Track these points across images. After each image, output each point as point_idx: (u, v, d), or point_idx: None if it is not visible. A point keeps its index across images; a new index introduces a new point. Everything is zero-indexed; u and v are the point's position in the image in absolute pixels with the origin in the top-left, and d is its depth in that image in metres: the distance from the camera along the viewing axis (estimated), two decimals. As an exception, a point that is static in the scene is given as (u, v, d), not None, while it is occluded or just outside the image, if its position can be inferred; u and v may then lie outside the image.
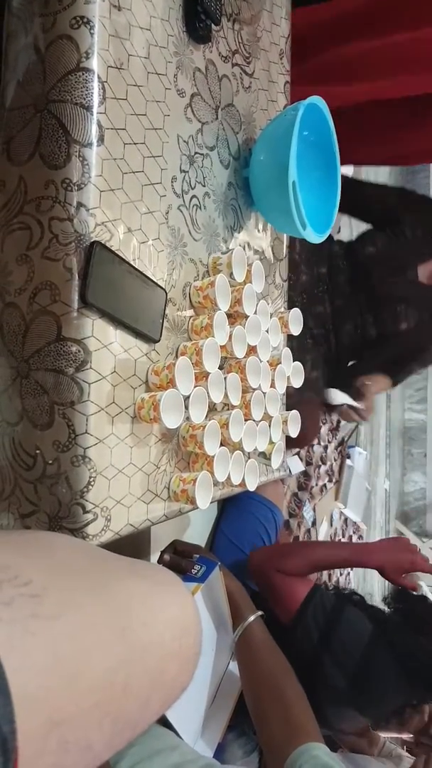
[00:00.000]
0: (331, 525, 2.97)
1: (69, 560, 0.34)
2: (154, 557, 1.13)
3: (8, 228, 0.56)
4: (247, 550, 1.38)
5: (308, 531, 2.61)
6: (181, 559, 0.95)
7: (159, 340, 0.65)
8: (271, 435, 0.86)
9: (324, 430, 2.78)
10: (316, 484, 2.70)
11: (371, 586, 3.89)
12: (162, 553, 0.97)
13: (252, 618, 0.94)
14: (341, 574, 3.11)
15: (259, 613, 0.96)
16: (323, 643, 1.00)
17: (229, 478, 0.74)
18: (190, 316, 0.73)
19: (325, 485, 2.80)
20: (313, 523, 2.70)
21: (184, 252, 0.71)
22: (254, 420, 0.80)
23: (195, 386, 0.66)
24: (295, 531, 2.42)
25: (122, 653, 0.31)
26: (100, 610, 0.31)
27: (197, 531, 1.47)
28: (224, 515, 1.45)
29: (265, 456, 0.89)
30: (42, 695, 0.24)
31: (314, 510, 2.70)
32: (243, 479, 0.78)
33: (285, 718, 0.81)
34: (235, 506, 1.41)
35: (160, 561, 0.97)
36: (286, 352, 0.91)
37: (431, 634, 1.02)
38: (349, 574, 3.25)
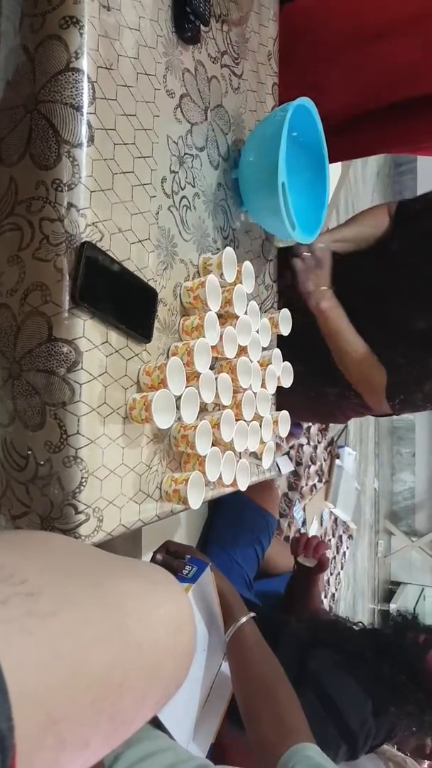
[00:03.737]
0: (321, 525, 2.98)
1: (64, 559, 0.34)
2: (146, 557, 1.13)
3: (-2, 229, 0.56)
4: (240, 560, 1.38)
5: (298, 531, 2.62)
6: (172, 559, 0.95)
7: (150, 341, 0.65)
8: (262, 435, 0.87)
9: (314, 430, 2.79)
10: (306, 484, 2.71)
11: (361, 585, 3.91)
12: (154, 553, 0.97)
13: (244, 619, 0.94)
14: (331, 574, 3.12)
15: (251, 614, 0.96)
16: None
17: (220, 478, 0.74)
18: (182, 317, 0.73)
19: (314, 485, 2.81)
20: (303, 523, 2.71)
21: (174, 252, 0.71)
22: (245, 420, 0.81)
23: (186, 386, 0.66)
24: (285, 531, 2.42)
25: (118, 650, 0.31)
26: (96, 607, 0.31)
27: (188, 531, 1.47)
28: (217, 524, 1.44)
29: (256, 456, 0.90)
30: (40, 692, 0.24)
31: (304, 510, 2.71)
32: (234, 479, 0.78)
33: (276, 719, 0.81)
34: (228, 515, 1.40)
35: (152, 561, 0.97)
36: (276, 353, 0.92)
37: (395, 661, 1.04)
38: (339, 574, 3.26)
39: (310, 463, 2.72)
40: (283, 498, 2.44)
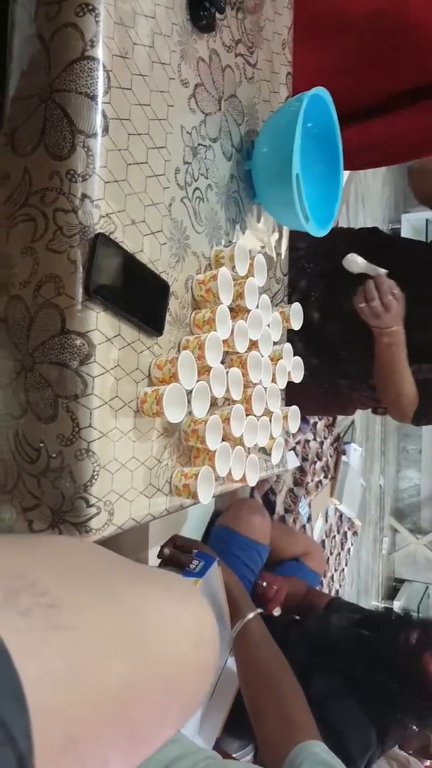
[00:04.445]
0: (327, 521, 2.98)
1: (84, 566, 0.34)
2: (153, 551, 1.13)
3: (12, 220, 0.56)
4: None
5: (303, 527, 2.62)
6: (180, 554, 0.95)
7: (162, 334, 0.65)
8: (272, 430, 0.86)
9: (320, 425, 2.78)
10: (312, 480, 2.70)
11: (365, 582, 3.91)
12: (162, 547, 0.97)
13: (251, 615, 0.94)
14: (335, 570, 3.12)
15: (258, 610, 0.96)
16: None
17: (230, 473, 0.74)
18: (193, 310, 0.72)
19: (320, 481, 2.81)
20: (309, 519, 2.70)
21: (186, 245, 0.70)
22: (255, 415, 0.80)
23: (197, 381, 0.66)
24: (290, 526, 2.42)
25: (138, 665, 0.30)
26: (117, 620, 0.30)
27: (193, 525, 1.47)
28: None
29: (265, 451, 0.89)
30: (60, 709, 0.24)
31: (309, 506, 2.70)
32: (244, 474, 0.78)
33: (282, 715, 0.81)
34: (217, 547, 1.41)
35: (160, 555, 0.97)
36: (287, 347, 0.91)
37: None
38: (343, 570, 3.26)
39: (316, 459, 2.72)
40: (289, 494, 2.44)
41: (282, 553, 1.65)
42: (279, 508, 2.30)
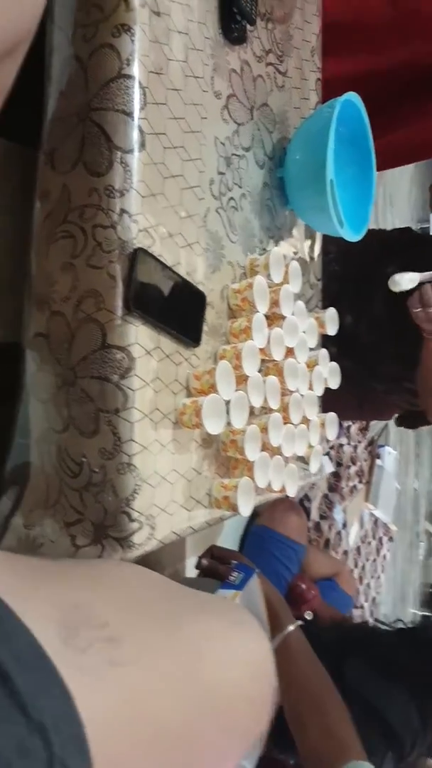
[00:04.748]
0: (362, 526, 2.93)
1: (140, 595, 0.34)
2: (190, 562, 1.13)
3: (53, 237, 0.57)
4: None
5: (339, 533, 2.58)
6: (218, 565, 0.94)
7: (199, 345, 0.65)
8: (310, 438, 0.85)
9: (354, 429, 2.74)
10: (346, 485, 2.66)
11: (402, 589, 3.83)
12: (199, 558, 0.97)
13: (291, 627, 0.93)
14: (372, 577, 3.07)
15: (299, 622, 0.95)
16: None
17: (269, 484, 0.73)
18: (229, 319, 0.72)
19: (355, 486, 2.77)
20: (344, 525, 2.67)
21: (221, 254, 0.70)
22: (292, 423, 0.79)
23: (235, 390, 0.66)
24: (326, 533, 2.39)
25: (199, 702, 0.30)
26: (176, 655, 0.30)
27: (230, 531, 1.47)
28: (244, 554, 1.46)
29: (303, 460, 0.88)
30: (121, 752, 0.23)
31: (344, 512, 2.67)
32: (283, 485, 0.77)
33: (327, 731, 0.79)
34: (253, 550, 1.41)
35: (198, 566, 0.96)
36: (323, 353, 0.90)
37: None
38: (379, 577, 3.20)
39: (350, 464, 2.68)
40: (324, 500, 2.41)
41: (314, 571, 1.64)
42: (314, 515, 2.28)
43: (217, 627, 0.36)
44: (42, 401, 0.60)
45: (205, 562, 0.95)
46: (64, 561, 0.39)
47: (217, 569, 0.93)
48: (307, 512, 2.22)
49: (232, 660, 0.35)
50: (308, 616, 1.35)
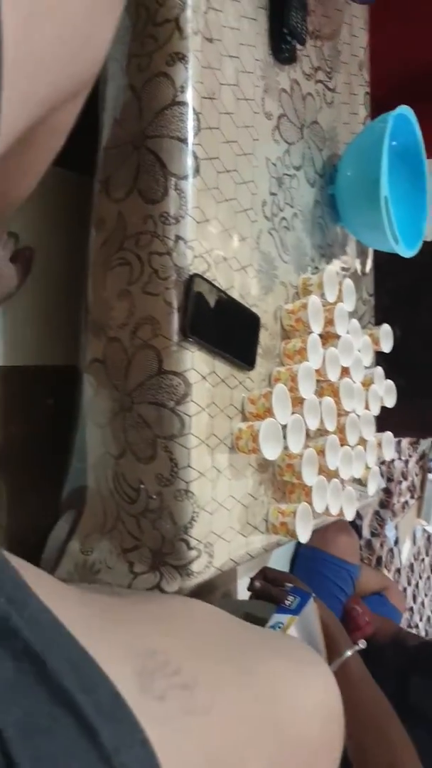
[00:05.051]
0: (414, 543, 2.84)
1: (209, 637, 0.33)
2: (242, 582, 1.11)
3: (109, 264, 0.57)
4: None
5: (390, 550, 2.50)
6: (272, 588, 0.92)
7: (254, 368, 0.64)
8: (367, 459, 0.83)
9: (404, 444, 2.67)
10: (398, 501, 2.59)
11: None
12: (252, 579, 0.95)
13: (349, 653, 0.90)
14: (426, 595, 2.95)
15: (357, 647, 0.92)
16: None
17: (327, 508, 0.71)
18: (282, 340, 0.71)
19: (406, 502, 2.68)
20: (396, 542, 2.59)
21: (274, 275, 0.69)
22: (349, 445, 0.77)
23: (291, 413, 0.64)
24: (377, 551, 2.32)
25: (273, 749, 0.29)
26: (249, 701, 0.29)
27: (279, 552, 1.44)
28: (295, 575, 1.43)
29: (360, 482, 0.86)
30: None
31: (396, 528, 2.59)
32: (341, 509, 0.75)
33: (390, 764, 0.76)
34: (307, 568, 1.38)
35: (250, 588, 0.94)
36: (379, 371, 0.88)
37: None
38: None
39: (401, 479, 2.60)
40: (375, 516, 2.35)
41: (364, 588, 1.59)
42: (365, 532, 2.22)
43: (288, 668, 0.35)
44: (99, 426, 0.60)
45: (258, 584, 0.93)
46: (132, 596, 0.39)
47: (270, 592, 0.91)
48: (358, 530, 2.16)
49: (305, 703, 0.34)
50: (362, 644, 1.30)
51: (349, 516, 0.77)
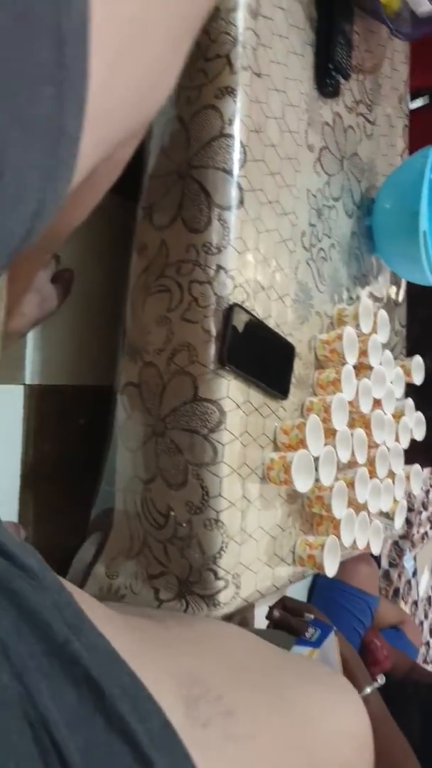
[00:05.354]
0: (433, 576, 2.77)
1: (245, 662, 0.33)
2: (260, 610, 1.09)
3: (149, 290, 0.58)
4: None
5: (408, 582, 2.45)
6: (291, 618, 0.91)
7: (288, 397, 0.64)
8: (395, 493, 0.81)
9: (425, 473, 2.62)
10: (417, 532, 2.54)
11: None
12: (271, 608, 0.94)
13: (369, 690, 0.88)
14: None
15: (376, 684, 0.89)
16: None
17: (354, 541, 0.70)
18: (316, 370, 0.71)
19: (426, 533, 2.63)
20: (414, 574, 2.53)
21: (310, 305, 0.69)
22: (378, 478, 0.76)
23: (324, 445, 0.64)
24: (395, 582, 2.28)
25: None
26: (285, 727, 0.29)
27: (296, 584, 1.42)
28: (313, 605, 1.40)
29: (387, 516, 0.84)
30: None
31: (415, 559, 2.53)
32: (368, 542, 0.74)
33: None
34: (325, 598, 1.36)
35: (269, 617, 0.93)
36: (409, 403, 0.86)
37: None
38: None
39: (421, 509, 2.55)
40: (394, 547, 2.30)
41: (381, 621, 1.56)
42: (383, 562, 2.17)
43: (321, 695, 0.35)
44: (130, 449, 0.60)
45: (277, 613, 0.92)
46: (167, 619, 0.39)
47: (290, 622, 0.90)
48: (377, 560, 2.12)
49: (339, 732, 0.34)
50: (380, 680, 1.27)
51: (376, 550, 0.75)
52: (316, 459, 0.62)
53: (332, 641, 0.86)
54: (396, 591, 2.31)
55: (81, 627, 0.24)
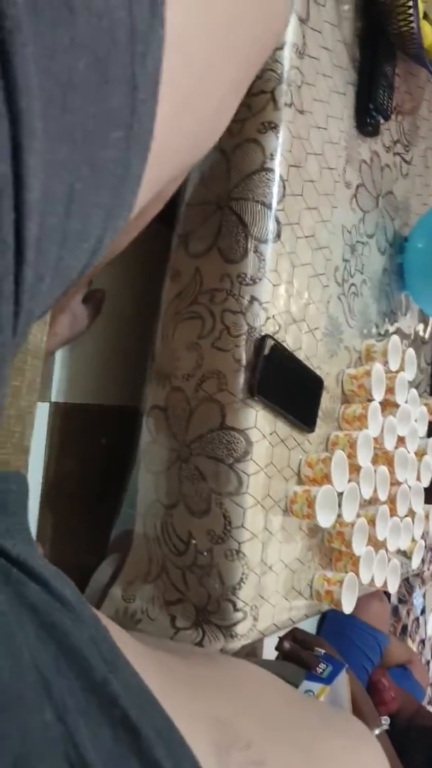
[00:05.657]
0: (442, 615, 2.71)
1: (271, 707, 0.33)
2: (269, 641, 1.07)
3: (181, 316, 0.58)
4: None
5: (417, 620, 2.39)
6: (301, 651, 0.89)
7: (314, 430, 0.64)
8: (414, 532, 0.80)
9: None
10: (428, 569, 2.49)
11: None
12: (281, 639, 0.92)
13: (377, 731, 0.85)
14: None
15: (384, 727, 0.87)
16: None
17: (372, 578, 0.69)
18: (342, 404, 0.70)
19: (437, 571, 2.58)
20: (423, 612, 2.47)
21: (340, 339, 0.70)
22: (398, 516, 0.75)
23: (348, 481, 0.63)
24: (403, 619, 2.22)
25: None
26: None
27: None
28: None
29: (405, 555, 0.83)
30: None
31: (424, 597, 2.48)
32: (385, 580, 0.72)
33: None
34: (335, 632, 1.33)
35: (279, 648, 0.91)
36: (431, 442, 0.86)
37: None
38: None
39: (433, 547, 2.51)
40: (404, 583, 2.26)
41: (389, 659, 1.52)
42: (393, 599, 2.13)
43: (345, 746, 0.35)
44: (153, 473, 0.60)
45: (287, 645, 0.90)
46: (190, 656, 0.38)
47: (299, 655, 0.88)
48: (388, 596, 2.08)
49: None
50: (385, 722, 1.24)
51: (392, 589, 0.74)
52: (340, 494, 0.62)
53: (344, 679, 0.84)
54: (404, 628, 2.26)
55: (117, 663, 0.24)
